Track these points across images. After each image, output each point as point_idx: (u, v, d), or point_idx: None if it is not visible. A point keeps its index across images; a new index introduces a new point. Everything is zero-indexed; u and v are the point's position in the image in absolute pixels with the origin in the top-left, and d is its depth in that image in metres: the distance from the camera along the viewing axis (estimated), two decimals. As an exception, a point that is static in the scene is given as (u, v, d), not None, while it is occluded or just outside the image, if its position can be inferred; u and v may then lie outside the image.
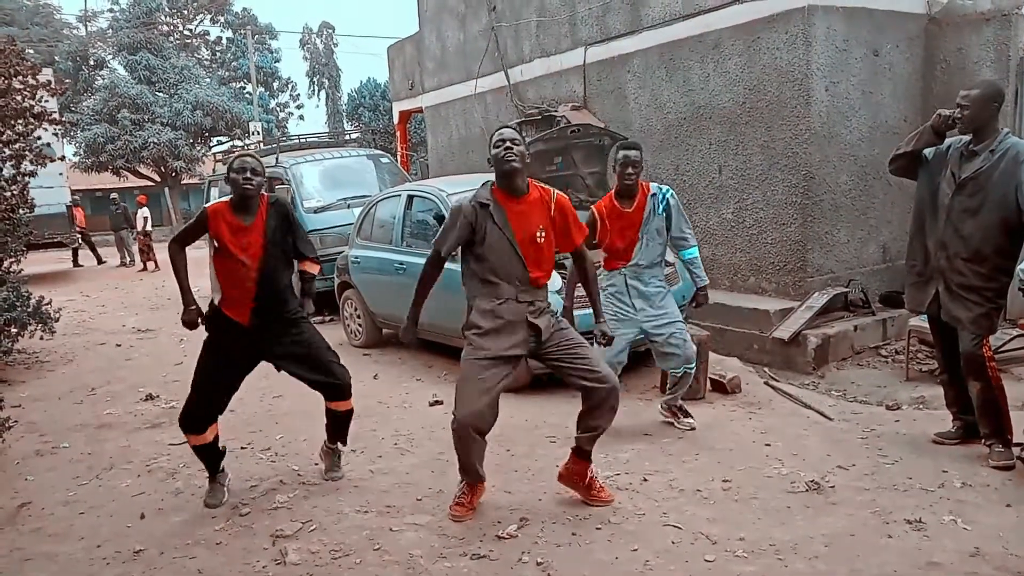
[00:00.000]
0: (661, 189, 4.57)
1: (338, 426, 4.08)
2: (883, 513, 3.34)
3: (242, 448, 4.71)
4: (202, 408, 3.83)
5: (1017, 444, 3.84)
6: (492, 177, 3.52)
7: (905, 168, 4.17)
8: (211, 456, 3.95)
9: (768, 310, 6.71)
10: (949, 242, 3.90)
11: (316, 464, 4.35)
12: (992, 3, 6.94)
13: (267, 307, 3.74)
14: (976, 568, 2.85)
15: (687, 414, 4.71)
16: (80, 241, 17.18)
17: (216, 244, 3.74)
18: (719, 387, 5.37)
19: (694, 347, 4.64)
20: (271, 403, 5.68)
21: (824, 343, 6.31)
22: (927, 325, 4.40)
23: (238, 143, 24.99)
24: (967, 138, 3.88)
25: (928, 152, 4.03)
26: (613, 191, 4.54)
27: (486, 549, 3.22)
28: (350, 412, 4.06)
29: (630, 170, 4.41)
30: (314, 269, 4.05)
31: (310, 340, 3.93)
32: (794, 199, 6.89)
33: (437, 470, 4.19)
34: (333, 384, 3.94)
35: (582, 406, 3.62)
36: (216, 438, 3.92)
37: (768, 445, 4.30)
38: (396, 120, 15.02)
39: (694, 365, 4.66)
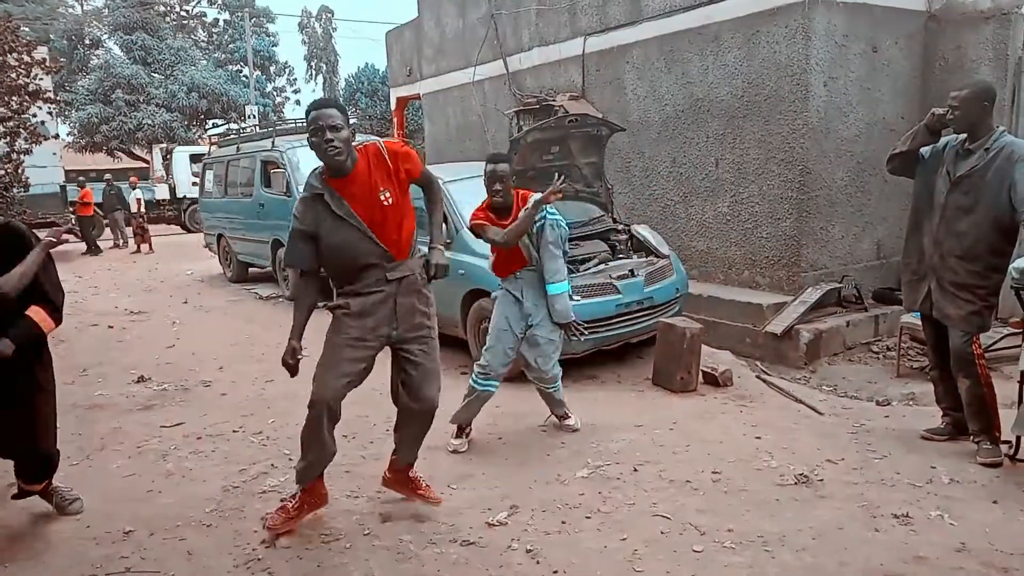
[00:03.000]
0: (546, 208, 4.15)
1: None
2: (871, 507, 3.36)
3: (233, 432, 4.71)
4: None
5: (1005, 441, 3.87)
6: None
7: (902, 167, 4.18)
8: None
9: (761, 304, 6.73)
10: (943, 240, 3.91)
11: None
12: (992, 2, 6.94)
13: None
14: (962, 563, 2.87)
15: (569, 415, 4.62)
16: (78, 224, 17.02)
17: None
18: (711, 380, 5.39)
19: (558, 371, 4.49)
20: (263, 387, 5.67)
21: (816, 338, 6.34)
22: (919, 322, 4.42)
23: (234, 126, 24.86)
24: (963, 136, 3.88)
25: (925, 150, 4.04)
26: (485, 204, 4.28)
27: (475, 536, 3.23)
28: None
29: (498, 186, 4.14)
30: None
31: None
32: (790, 194, 6.90)
33: (428, 457, 4.18)
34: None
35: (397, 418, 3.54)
36: None
37: (759, 438, 4.32)
38: (393, 106, 14.96)
39: (556, 387, 4.51)
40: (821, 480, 3.67)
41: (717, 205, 7.56)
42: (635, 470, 3.89)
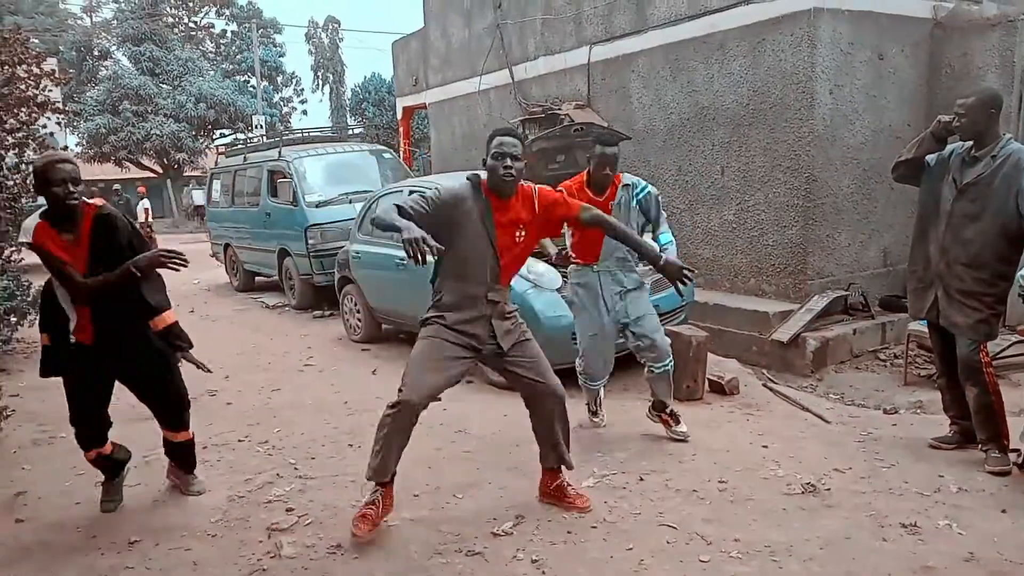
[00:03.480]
0: (636, 181, 4.44)
1: (178, 456, 3.93)
2: (879, 516, 3.34)
3: (239, 441, 4.71)
4: None
5: (1014, 450, 3.84)
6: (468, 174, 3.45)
7: (908, 175, 4.17)
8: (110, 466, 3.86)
9: (768, 312, 6.71)
10: (949, 247, 3.90)
11: (313, 458, 4.36)
12: (998, 9, 6.94)
13: None
14: (970, 573, 2.85)
15: (678, 420, 4.47)
16: None
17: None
18: (717, 388, 5.37)
19: (667, 341, 4.50)
20: (269, 396, 5.68)
21: (823, 346, 6.32)
22: (926, 330, 4.40)
23: (241, 136, 24.99)
24: (969, 143, 3.87)
25: (931, 158, 4.03)
26: (584, 180, 4.36)
27: (481, 546, 3.22)
28: (190, 443, 3.90)
29: (608, 171, 4.27)
30: None
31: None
32: (796, 201, 6.89)
33: (434, 466, 4.19)
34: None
35: (531, 419, 3.63)
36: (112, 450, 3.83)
37: (765, 447, 4.30)
38: (399, 116, 15.02)
39: (669, 363, 4.42)
40: (828, 489, 3.65)
41: (723, 213, 7.55)
42: (641, 479, 3.88)
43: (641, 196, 4.39)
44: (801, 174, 6.83)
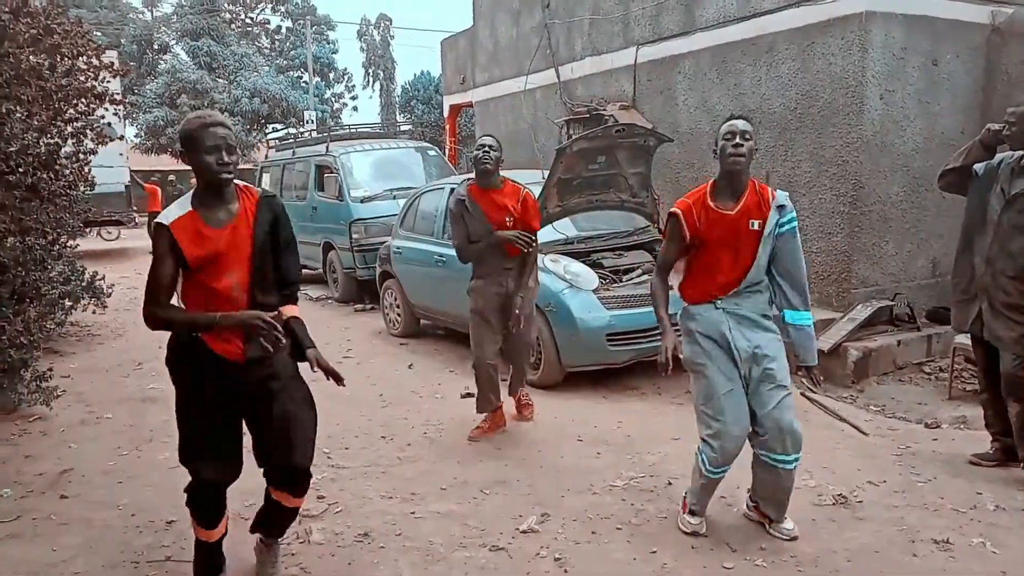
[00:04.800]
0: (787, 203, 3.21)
1: (279, 523, 3.03)
2: (910, 531, 3.28)
3: (276, 428, 4.81)
4: None
5: (1057, 470, 3.73)
6: (512, 173, 4.59)
7: (955, 183, 4.09)
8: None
9: (809, 320, 6.60)
10: (995, 259, 3.80)
11: (346, 448, 4.43)
12: (1060, 14, 6.72)
13: None
14: (1003, 593, 2.79)
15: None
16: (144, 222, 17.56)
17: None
18: (753, 395, 5.30)
19: (800, 429, 3.17)
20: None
21: (865, 356, 6.19)
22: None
23: (292, 131, 25.42)
24: (1019, 153, 3.77)
25: (979, 167, 3.94)
26: (709, 188, 3.23)
27: (505, 542, 3.25)
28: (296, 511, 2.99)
29: (740, 150, 3.08)
30: None
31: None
32: (841, 208, 6.76)
33: (464, 460, 4.24)
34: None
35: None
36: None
37: (798, 456, 4.24)
38: (446, 113, 15.13)
39: (797, 459, 3.17)
40: (860, 501, 3.60)
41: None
42: (669, 483, 3.86)
43: (786, 228, 3.16)
44: (848, 180, 6.70)
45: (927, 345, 6.57)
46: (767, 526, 3.32)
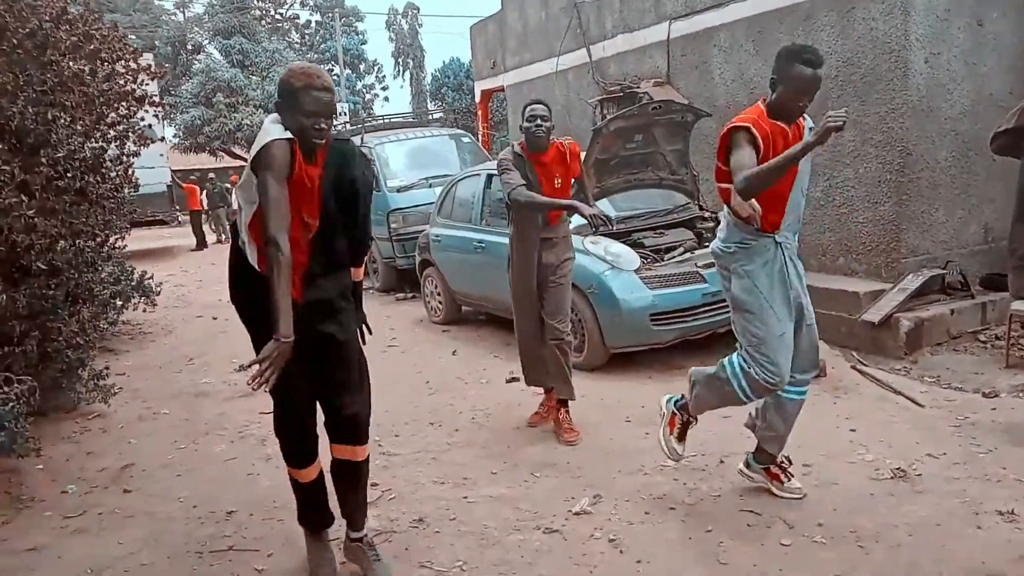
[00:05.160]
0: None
1: (354, 490, 2.94)
2: (973, 503, 3.20)
3: (327, 419, 4.88)
4: None
5: None
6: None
7: (1007, 146, 3.96)
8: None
9: (858, 292, 6.46)
10: (1054, 222, 3.67)
11: (396, 436, 4.48)
12: (1114, -36, 6.43)
13: None
14: (1073, 564, 2.71)
15: (790, 474, 3.44)
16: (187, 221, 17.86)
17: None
18: (802, 370, 5.22)
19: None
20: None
21: (917, 327, 6.04)
22: (1030, 309, 4.17)
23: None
24: (1078, 111, 3.63)
25: (1034, 127, 3.80)
26: (766, 107, 3.05)
27: (559, 524, 3.26)
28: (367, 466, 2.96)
29: (806, 102, 2.97)
30: None
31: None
32: (888, 176, 6.59)
33: (513, 445, 4.25)
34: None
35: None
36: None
37: (853, 430, 4.18)
38: (478, 99, 15.09)
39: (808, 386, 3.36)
40: (919, 475, 3.52)
41: (809, 190, 7.28)
42: (721, 462, 3.83)
43: None
44: (894, 147, 6.52)
45: (982, 313, 6.39)
46: (776, 488, 3.38)
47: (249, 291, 2.71)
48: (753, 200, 2.96)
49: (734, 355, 3.21)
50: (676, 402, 3.53)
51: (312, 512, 3.01)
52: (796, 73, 2.89)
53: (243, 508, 3.59)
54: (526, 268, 4.38)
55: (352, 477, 2.90)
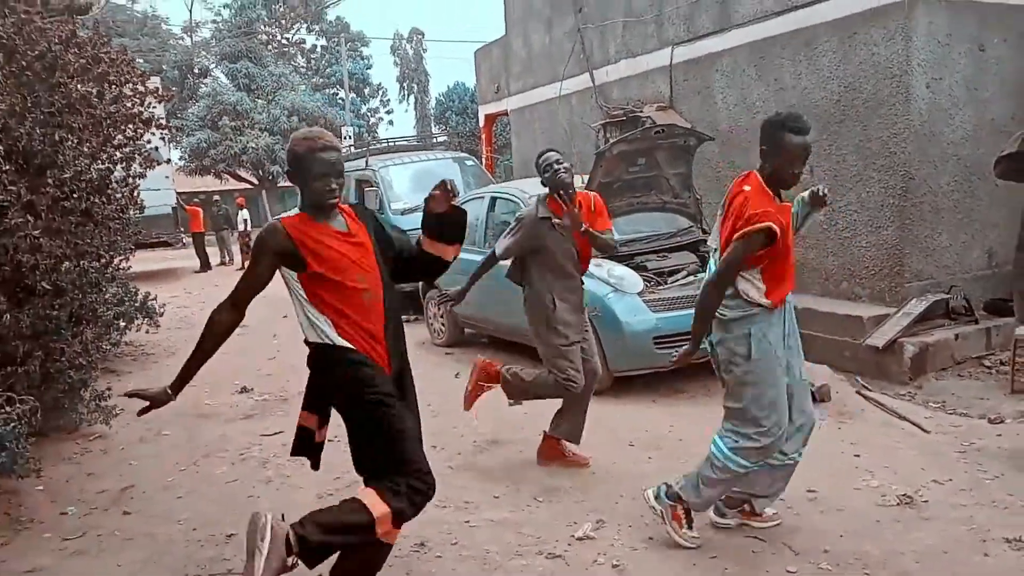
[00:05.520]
0: None
1: None
2: (980, 530, 3.17)
3: (328, 441, 4.83)
4: None
5: None
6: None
7: (1011, 170, 3.98)
8: None
9: (861, 316, 6.45)
10: (1059, 246, 3.67)
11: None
12: (1114, -8, 6.48)
13: None
14: (1083, 593, 2.68)
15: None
16: (191, 243, 17.92)
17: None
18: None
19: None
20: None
21: (922, 352, 6.02)
22: (1035, 334, 4.15)
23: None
24: (1081, 136, 3.65)
25: (1037, 151, 3.82)
26: (763, 178, 3.12)
27: (561, 549, 3.23)
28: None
29: (801, 168, 3.07)
30: None
31: None
32: (891, 200, 6.60)
33: (515, 469, 4.23)
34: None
35: None
36: None
37: (858, 456, 4.15)
38: (482, 123, 15.19)
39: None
40: (926, 501, 3.50)
41: (812, 214, 7.30)
42: (726, 486, 3.79)
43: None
44: (897, 172, 6.54)
45: (986, 338, 6.37)
46: (755, 523, 3.34)
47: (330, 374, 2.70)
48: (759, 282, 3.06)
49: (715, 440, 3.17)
50: (665, 492, 3.27)
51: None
52: (787, 143, 2.93)
53: (243, 531, 3.55)
54: (576, 316, 4.19)
55: None
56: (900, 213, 6.54)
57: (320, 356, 2.68)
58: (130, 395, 2.61)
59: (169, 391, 2.66)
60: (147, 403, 2.65)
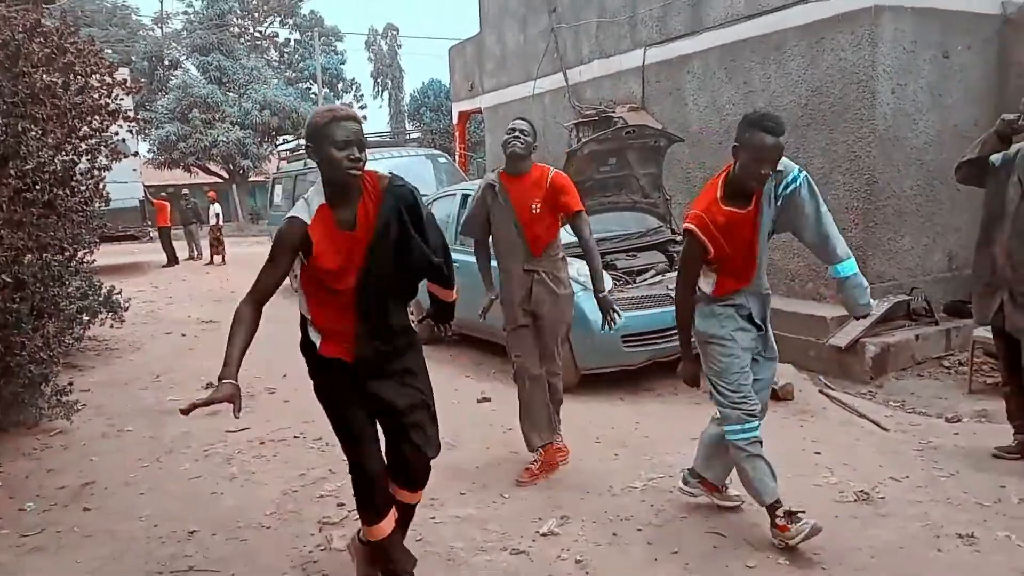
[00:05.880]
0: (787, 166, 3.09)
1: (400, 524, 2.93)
2: (934, 526, 3.25)
3: (295, 437, 4.83)
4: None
5: (1083, 462, 3.69)
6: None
7: (972, 175, 4.06)
8: None
9: (825, 317, 6.56)
10: (1015, 251, 3.78)
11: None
12: (1072, 3, 6.66)
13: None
14: (1030, 587, 2.76)
15: (726, 485, 3.55)
16: (157, 236, 17.65)
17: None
18: (771, 394, 5.26)
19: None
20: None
21: (883, 352, 6.14)
22: (992, 336, 4.25)
23: (303, 141, 25.59)
24: (1035, 143, 3.74)
25: (995, 158, 3.91)
26: (719, 191, 3.15)
27: (526, 545, 3.25)
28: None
29: (767, 170, 2.96)
30: None
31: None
32: (855, 204, 6.72)
33: (482, 465, 4.24)
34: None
35: None
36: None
37: (818, 453, 4.23)
38: (455, 120, 15.18)
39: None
40: (883, 498, 3.57)
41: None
42: (689, 483, 3.84)
43: (792, 188, 3.07)
44: (862, 176, 6.66)
45: (946, 339, 6.52)
46: (717, 499, 3.51)
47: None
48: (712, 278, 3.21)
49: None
50: (691, 473, 3.56)
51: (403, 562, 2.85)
52: (758, 141, 2.93)
53: (206, 528, 3.54)
54: (513, 305, 4.05)
55: (406, 519, 2.95)
56: (864, 216, 6.66)
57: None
58: (193, 408, 2.40)
59: (228, 380, 2.42)
60: (200, 402, 2.41)
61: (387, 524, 2.79)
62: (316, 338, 2.68)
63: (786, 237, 7.22)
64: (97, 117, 5.91)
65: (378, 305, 2.63)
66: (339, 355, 2.65)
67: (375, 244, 2.53)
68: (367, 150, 2.54)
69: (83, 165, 5.75)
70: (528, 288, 4.03)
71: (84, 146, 5.64)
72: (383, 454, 2.82)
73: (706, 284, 3.23)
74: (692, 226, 3.08)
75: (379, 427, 2.82)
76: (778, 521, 3.07)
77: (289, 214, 2.56)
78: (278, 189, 12.52)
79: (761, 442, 3.17)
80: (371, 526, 2.77)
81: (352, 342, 2.63)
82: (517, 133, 3.96)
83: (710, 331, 3.22)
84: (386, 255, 2.55)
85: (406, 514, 2.94)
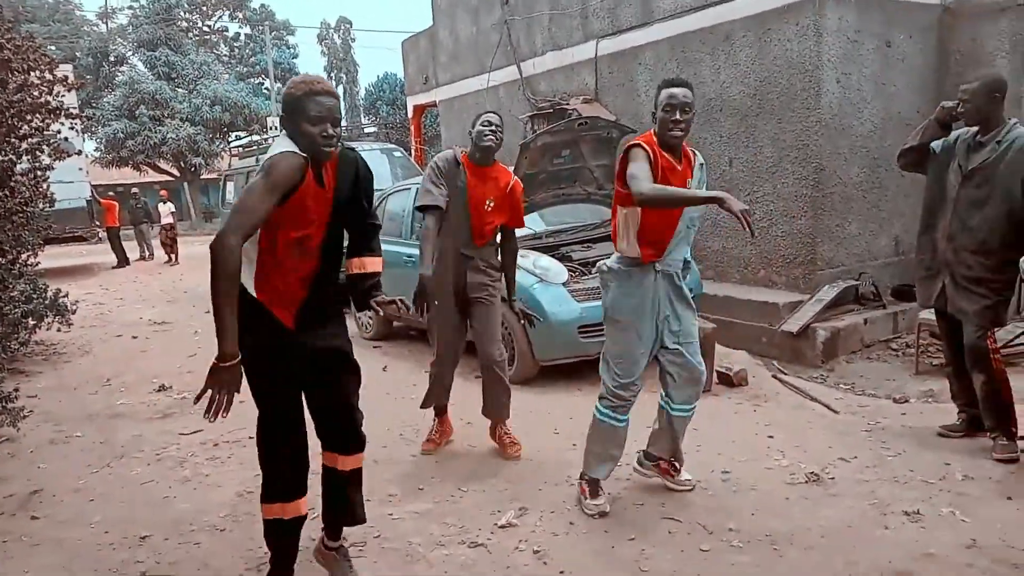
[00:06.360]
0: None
1: (344, 497, 2.90)
2: (881, 505, 3.33)
3: (249, 438, 4.70)
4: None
5: (1022, 437, 3.82)
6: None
7: (914, 162, 4.15)
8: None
9: (777, 303, 6.69)
10: (956, 234, 3.88)
11: (319, 452, 4.40)
12: (1008, -7, 6.85)
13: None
14: (972, 560, 2.84)
15: (680, 468, 3.67)
16: (106, 238, 17.23)
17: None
18: (725, 380, 5.37)
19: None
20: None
21: (833, 336, 6.29)
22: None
23: (256, 138, 25.16)
24: (974, 129, 3.85)
25: (936, 144, 4.01)
26: (653, 133, 3.27)
27: (484, 537, 3.25)
28: (361, 473, 2.95)
29: (678, 115, 3.16)
30: None
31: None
32: (804, 191, 6.85)
33: (440, 460, 4.23)
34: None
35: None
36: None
37: (771, 437, 4.30)
38: (411, 114, 15.07)
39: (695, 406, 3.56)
40: (832, 478, 3.65)
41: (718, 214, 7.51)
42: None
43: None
44: (809, 164, 6.79)
45: (893, 322, 6.69)
46: (669, 481, 3.64)
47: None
48: (635, 240, 3.26)
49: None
50: (645, 455, 3.75)
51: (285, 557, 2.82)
52: (664, 95, 3.21)
53: (158, 532, 3.47)
54: (446, 287, 4.11)
55: (340, 487, 2.86)
56: (813, 203, 6.79)
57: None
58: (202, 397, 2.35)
59: (228, 358, 2.32)
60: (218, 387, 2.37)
61: (294, 507, 2.73)
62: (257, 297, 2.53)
63: (738, 227, 7.31)
64: (38, 115, 5.76)
65: (330, 265, 2.66)
66: (281, 318, 2.57)
67: (337, 202, 2.58)
68: None
69: (24, 165, 5.60)
70: (463, 272, 4.14)
71: (24, 145, 5.49)
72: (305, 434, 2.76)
73: (631, 250, 3.30)
74: (643, 143, 3.18)
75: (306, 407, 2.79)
76: (585, 487, 3.48)
77: (284, 149, 2.39)
78: (231, 186, 12.31)
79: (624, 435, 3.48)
80: (273, 503, 2.71)
81: (298, 304, 2.59)
82: (493, 127, 4.08)
83: (618, 311, 3.38)
84: (342, 214, 2.61)
85: (349, 483, 2.86)
